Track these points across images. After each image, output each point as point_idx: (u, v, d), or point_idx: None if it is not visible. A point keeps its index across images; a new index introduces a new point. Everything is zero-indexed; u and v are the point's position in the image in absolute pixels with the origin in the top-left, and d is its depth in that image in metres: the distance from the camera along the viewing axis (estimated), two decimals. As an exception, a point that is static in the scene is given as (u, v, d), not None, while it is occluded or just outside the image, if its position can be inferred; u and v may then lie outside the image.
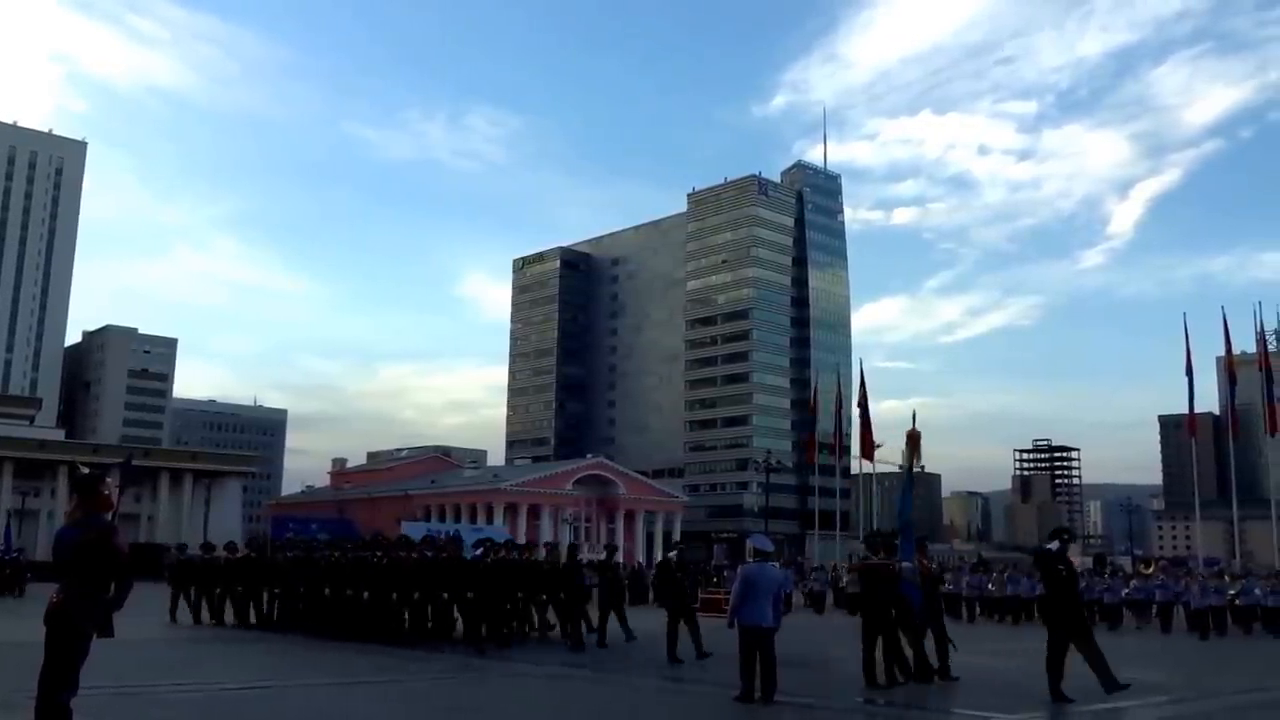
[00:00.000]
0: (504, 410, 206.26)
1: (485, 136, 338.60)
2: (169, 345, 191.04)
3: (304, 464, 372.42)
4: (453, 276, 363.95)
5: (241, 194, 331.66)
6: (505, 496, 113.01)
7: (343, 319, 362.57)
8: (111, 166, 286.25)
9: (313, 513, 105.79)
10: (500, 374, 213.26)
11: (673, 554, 18.72)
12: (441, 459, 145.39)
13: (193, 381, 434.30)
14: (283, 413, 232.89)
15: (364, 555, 20.22)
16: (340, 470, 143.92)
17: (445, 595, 18.82)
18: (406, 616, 19.31)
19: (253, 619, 22.63)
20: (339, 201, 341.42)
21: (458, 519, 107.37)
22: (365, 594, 19.32)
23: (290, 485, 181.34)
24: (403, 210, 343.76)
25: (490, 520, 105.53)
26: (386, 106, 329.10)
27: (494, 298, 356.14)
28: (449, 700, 12.57)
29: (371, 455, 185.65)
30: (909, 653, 13.94)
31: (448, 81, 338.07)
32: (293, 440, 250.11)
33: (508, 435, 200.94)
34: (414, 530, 71.60)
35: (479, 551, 19.10)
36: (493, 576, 18.37)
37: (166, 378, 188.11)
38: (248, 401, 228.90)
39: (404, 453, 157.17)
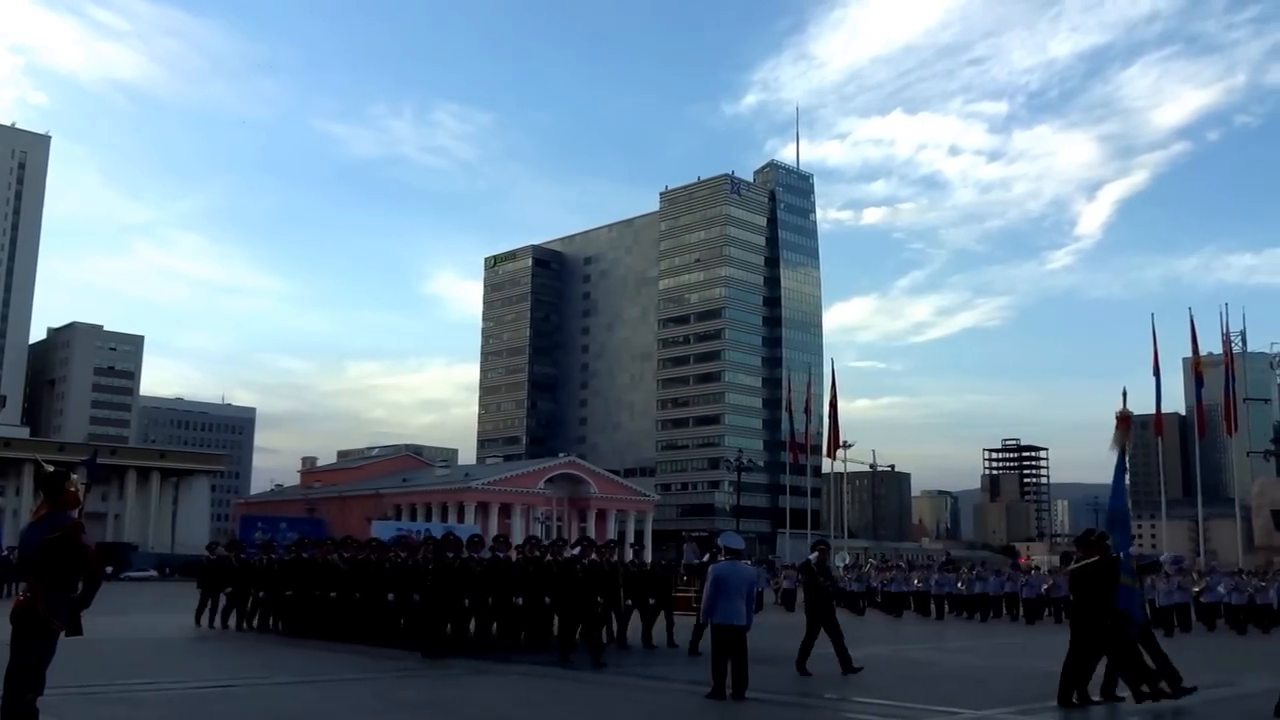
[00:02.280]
0: (475, 409, 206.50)
1: (453, 133, 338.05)
2: (135, 343, 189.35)
3: (273, 463, 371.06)
4: (421, 274, 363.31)
5: (207, 190, 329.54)
6: (476, 495, 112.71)
7: (310, 317, 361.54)
8: (73, 161, 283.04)
9: (282, 512, 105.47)
10: (471, 372, 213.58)
11: (813, 555, 16.11)
12: (412, 458, 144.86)
13: (160, 379, 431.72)
14: (251, 411, 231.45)
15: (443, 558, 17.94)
16: (310, 469, 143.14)
17: (546, 600, 17.39)
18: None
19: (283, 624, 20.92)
20: (305, 198, 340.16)
21: (429, 518, 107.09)
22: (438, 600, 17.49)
23: (259, 484, 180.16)
24: (370, 207, 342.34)
25: (461, 519, 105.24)
26: (352, 102, 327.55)
27: (463, 296, 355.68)
28: (417, 697, 12.55)
29: (342, 454, 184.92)
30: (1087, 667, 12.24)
31: (413, 77, 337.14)
32: (261, 439, 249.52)
33: (479, 434, 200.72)
34: (385, 530, 71.57)
35: (576, 551, 17.66)
36: (589, 580, 16.72)
37: (133, 375, 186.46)
38: (215, 400, 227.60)
39: (374, 451, 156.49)
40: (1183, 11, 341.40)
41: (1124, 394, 13.79)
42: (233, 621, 22.15)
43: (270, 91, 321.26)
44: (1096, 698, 12.25)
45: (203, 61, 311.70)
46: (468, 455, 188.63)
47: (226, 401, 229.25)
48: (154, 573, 79.41)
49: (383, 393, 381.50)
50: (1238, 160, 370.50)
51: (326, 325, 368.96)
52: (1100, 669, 12.44)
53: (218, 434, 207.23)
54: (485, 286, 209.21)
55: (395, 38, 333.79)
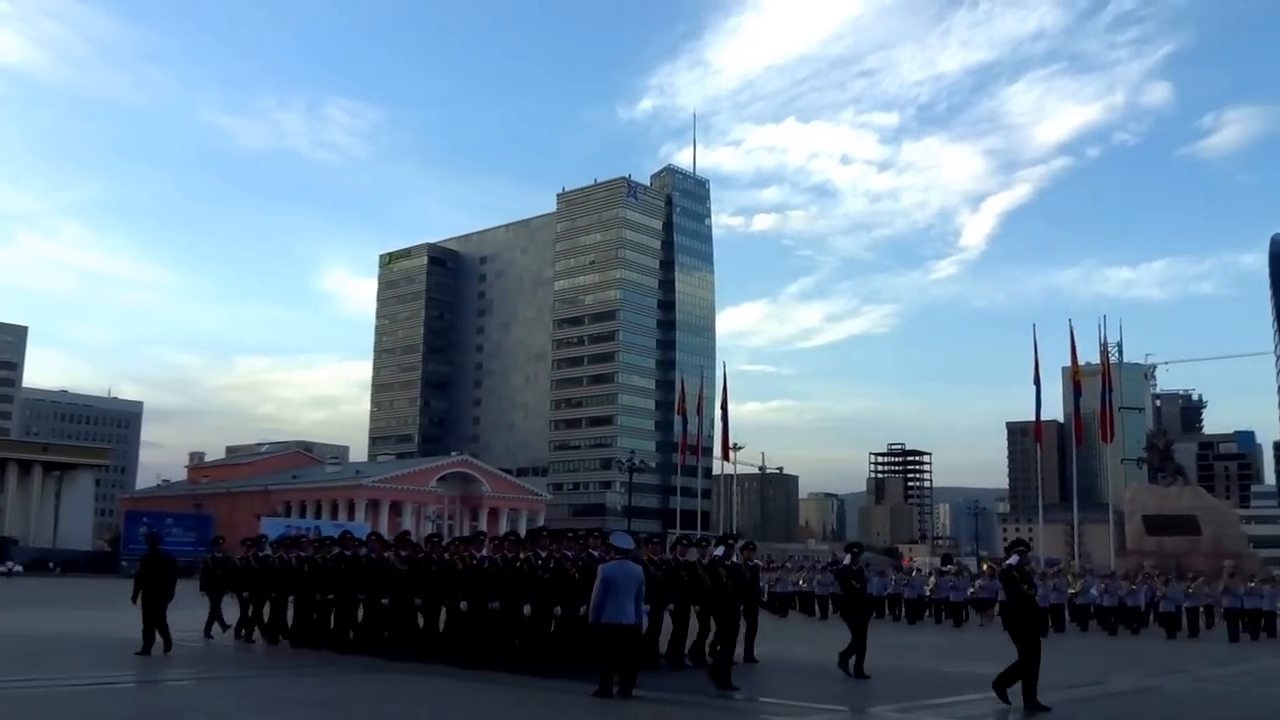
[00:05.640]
0: (367, 406, 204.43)
1: (345, 128, 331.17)
2: (18, 333, 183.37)
3: (160, 458, 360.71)
4: (312, 269, 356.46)
5: (92, 179, 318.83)
6: (367, 493, 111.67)
7: (199, 310, 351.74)
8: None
9: (169, 508, 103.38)
10: (364, 369, 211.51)
11: (1013, 558, 13.30)
12: (303, 454, 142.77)
13: (44, 371, 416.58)
14: (138, 405, 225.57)
15: (517, 558, 15.30)
16: (198, 465, 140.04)
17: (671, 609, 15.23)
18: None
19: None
20: (194, 190, 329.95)
21: (319, 515, 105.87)
22: (527, 608, 14.73)
23: (145, 479, 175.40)
24: (260, 201, 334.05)
25: (351, 516, 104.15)
26: (241, 94, 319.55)
27: (356, 292, 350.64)
28: (305, 695, 12.52)
29: (230, 450, 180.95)
30: None
31: (304, 71, 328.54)
32: (148, 433, 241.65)
33: (371, 432, 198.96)
34: (273, 527, 70.37)
35: (720, 551, 15.21)
36: (737, 586, 14.55)
37: (15, 366, 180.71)
38: (101, 393, 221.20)
39: (264, 448, 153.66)
40: (1067, 30, 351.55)
41: None
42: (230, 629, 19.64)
43: (157, 80, 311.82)
44: None
45: (87, 47, 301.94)
46: (359, 453, 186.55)
47: (113, 395, 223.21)
48: (18, 567, 76.23)
49: (272, 389, 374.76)
50: (1116, 177, 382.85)
51: (215, 319, 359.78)
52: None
53: (103, 428, 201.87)
54: (379, 284, 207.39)
55: (284, 30, 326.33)
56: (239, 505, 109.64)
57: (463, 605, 15.41)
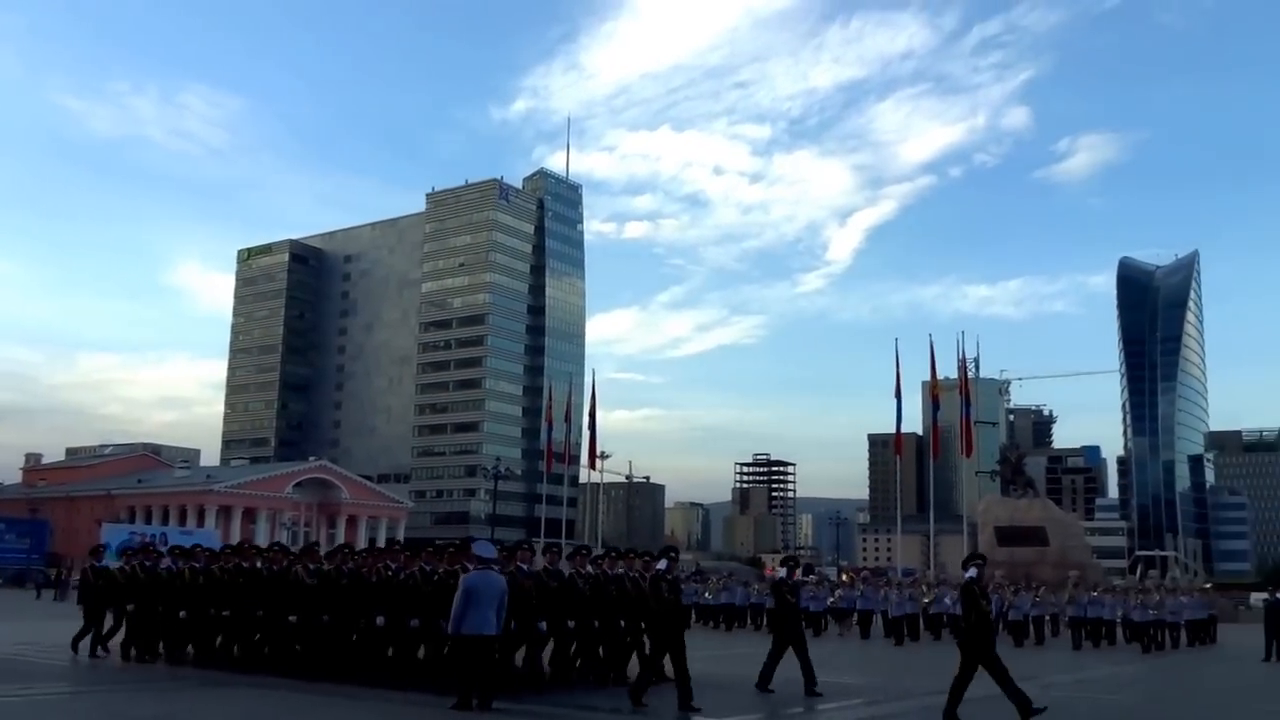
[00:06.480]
0: (221, 408, 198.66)
1: (202, 117, 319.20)
2: None
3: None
4: (165, 263, 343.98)
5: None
6: (218, 499, 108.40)
7: (37, 302, 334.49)
8: None
9: (1, 512, 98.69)
10: (218, 369, 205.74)
11: (971, 571, 13.10)
12: (150, 457, 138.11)
13: None
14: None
15: (435, 569, 14.25)
16: (34, 467, 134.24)
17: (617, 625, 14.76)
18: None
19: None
20: (37, 175, 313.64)
21: (165, 521, 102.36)
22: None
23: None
24: (109, 189, 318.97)
25: (201, 523, 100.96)
26: (90, 76, 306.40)
27: (211, 288, 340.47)
28: (146, 712, 11.96)
29: (71, 451, 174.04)
30: None
31: (159, 54, 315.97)
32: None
33: (225, 434, 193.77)
34: (116, 534, 67.78)
35: (662, 565, 14.09)
36: (677, 601, 13.79)
37: None
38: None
39: (108, 450, 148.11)
40: (934, 51, 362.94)
41: None
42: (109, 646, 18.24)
43: None
44: None
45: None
46: (211, 456, 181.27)
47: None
48: None
49: (118, 387, 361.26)
50: (976, 196, 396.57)
51: (56, 312, 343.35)
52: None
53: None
54: (237, 280, 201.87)
55: (138, 9, 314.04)
56: (79, 510, 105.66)
57: (379, 620, 14.31)
